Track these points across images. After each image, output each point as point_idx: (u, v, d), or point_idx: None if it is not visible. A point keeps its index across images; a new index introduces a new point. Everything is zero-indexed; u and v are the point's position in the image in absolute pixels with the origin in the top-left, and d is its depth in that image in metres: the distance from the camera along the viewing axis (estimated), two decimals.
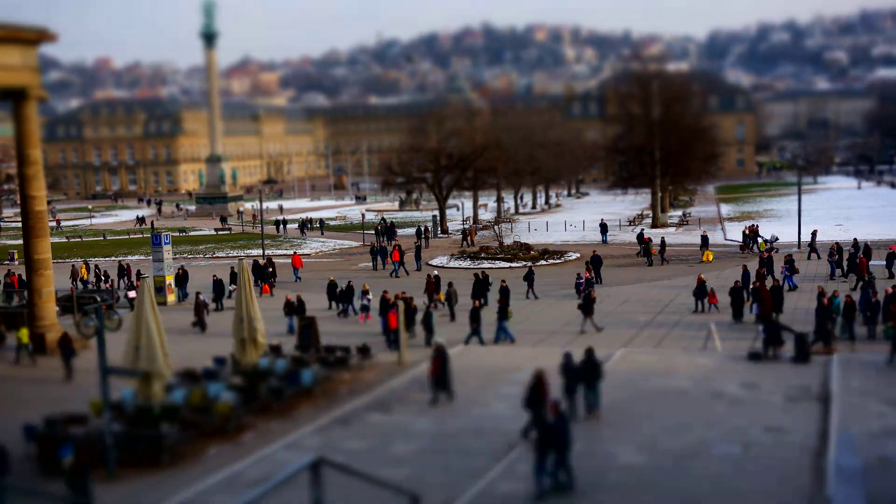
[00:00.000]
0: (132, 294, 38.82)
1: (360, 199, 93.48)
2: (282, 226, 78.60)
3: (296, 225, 79.27)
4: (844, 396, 20.03)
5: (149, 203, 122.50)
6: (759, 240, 53.75)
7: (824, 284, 34.46)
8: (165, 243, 43.05)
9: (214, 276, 41.92)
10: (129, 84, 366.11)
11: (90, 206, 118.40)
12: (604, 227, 62.85)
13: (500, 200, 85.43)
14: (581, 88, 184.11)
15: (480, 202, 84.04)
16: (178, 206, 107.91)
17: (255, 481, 15.78)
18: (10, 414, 21.32)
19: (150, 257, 46.35)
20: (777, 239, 53.98)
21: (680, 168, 74.88)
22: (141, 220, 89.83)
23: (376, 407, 20.94)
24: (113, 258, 61.25)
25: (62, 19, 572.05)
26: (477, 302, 31.28)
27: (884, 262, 43.05)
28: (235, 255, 58.94)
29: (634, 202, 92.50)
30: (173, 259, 47.38)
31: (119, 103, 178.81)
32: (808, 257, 48.33)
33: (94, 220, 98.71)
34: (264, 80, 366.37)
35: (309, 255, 59.39)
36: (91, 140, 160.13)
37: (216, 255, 62.20)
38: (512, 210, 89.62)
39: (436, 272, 41.67)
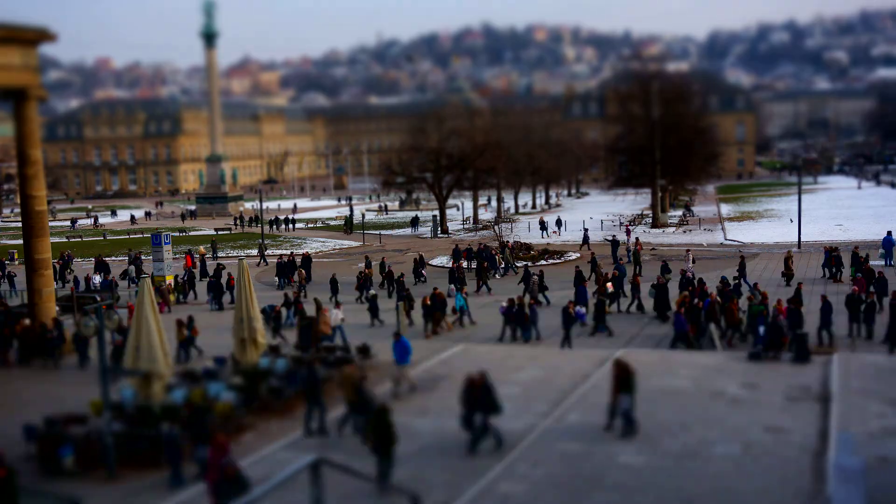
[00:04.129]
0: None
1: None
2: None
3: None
4: (844, 396, 20.04)
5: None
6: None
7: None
8: (165, 243, 43.06)
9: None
10: (129, 84, 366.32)
11: (90, 206, 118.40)
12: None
13: (500, 200, 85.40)
14: (581, 88, 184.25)
15: (480, 202, 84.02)
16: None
17: (255, 481, 15.78)
18: (10, 414, 21.34)
19: (150, 257, 46.43)
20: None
21: (680, 168, 74.88)
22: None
23: None
24: (113, 258, 61.26)
25: (62, 19, 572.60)
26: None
27: (881, 262, 43.08)
28: (235, 255, 58.93)
29: (635, 202, 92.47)
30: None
31: (119, 103, 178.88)
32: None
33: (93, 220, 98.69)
34: (264, 80, 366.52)
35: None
36: (91, 140, 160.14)
37: (216, 254, 62.14)
38: (512, 210, 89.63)
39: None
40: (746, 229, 64.45)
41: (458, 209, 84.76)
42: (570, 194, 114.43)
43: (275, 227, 79.00)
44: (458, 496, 15.22)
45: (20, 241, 37.63)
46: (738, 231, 63.54)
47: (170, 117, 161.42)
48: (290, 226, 79.37)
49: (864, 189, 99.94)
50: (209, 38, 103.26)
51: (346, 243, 66.55)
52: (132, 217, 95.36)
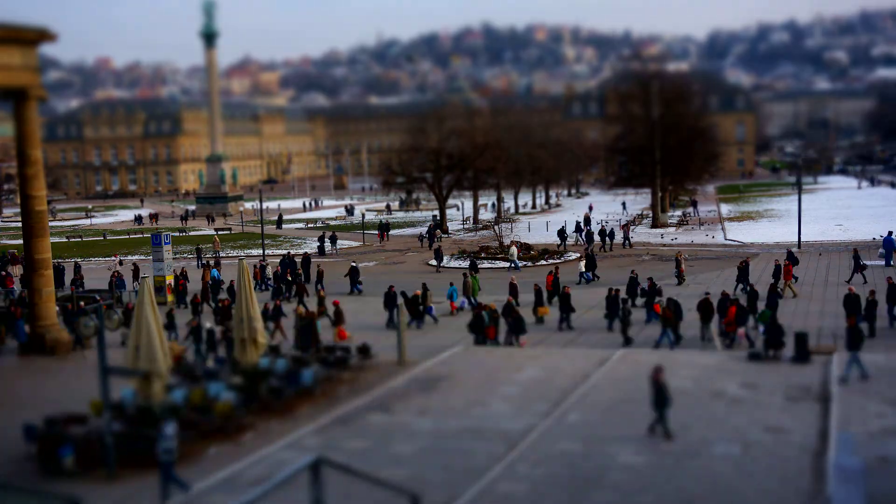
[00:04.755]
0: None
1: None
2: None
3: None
4: (844, 396, 20.05)
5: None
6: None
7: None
8: (165, 243, 43.06)
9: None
10: (129, 84, 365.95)
11: (89, 206, 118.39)
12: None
13: (500, 200, 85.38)
14: (581, 88, 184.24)
15: (480, 202, 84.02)
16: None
17: (255, 481, 15.79)
18: (10, 414, 21.34)
19: (150, 257, 46.44)
20: None
21: (680, 168, 74.93)
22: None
23: (376, 407, 20.93)
24: (113, 258, 61.22)
25: (62, 19, 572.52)
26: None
27: (881, 262, 43.03)
28: (235, 255, 58.90)
29: (635, 202, 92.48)
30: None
31: (119, 103, 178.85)
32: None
33: (93, 221, 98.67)
34: (264, 80, 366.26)
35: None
36: (91, 140, 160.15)
37: (216, 254, 62.14)
38: (512, 210, 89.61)
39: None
40: (746, 229, 64.45)
41: (458, 209, 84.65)
42: (570, 194, 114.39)
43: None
44: (458, 496, 15.23)
45: (20, 241, 37.61)
46: (738, 231, 63.56)
47: (170, 117, 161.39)
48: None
49: (864, 189, 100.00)
50: (209, 38, 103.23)
51: (346, 243, 66.51)
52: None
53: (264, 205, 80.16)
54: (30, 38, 28.77)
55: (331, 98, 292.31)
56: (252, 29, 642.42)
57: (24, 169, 29.65)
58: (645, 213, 79.27)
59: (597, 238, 55.85)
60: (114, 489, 16.60)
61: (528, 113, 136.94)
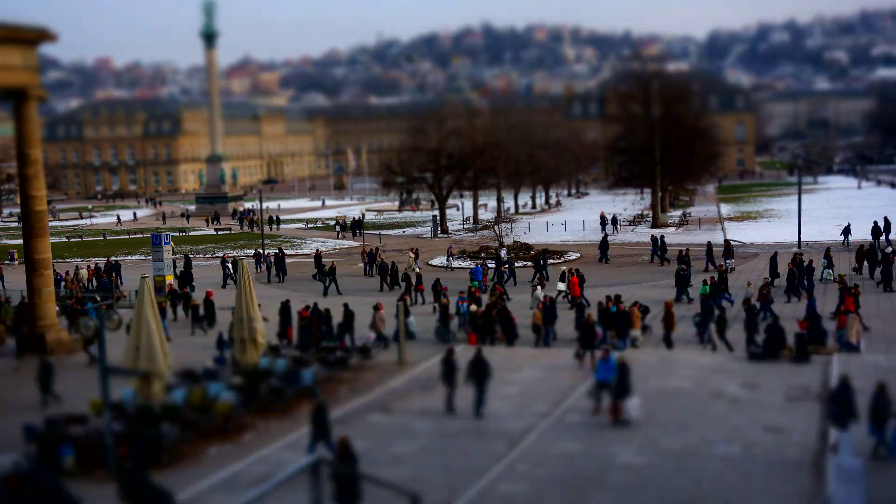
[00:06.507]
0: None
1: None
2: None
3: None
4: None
5: (149, 202, 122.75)
6: None
7: None
8: (165, 243, 43.07)
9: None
10: (129, 84, 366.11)
11: (90, 206, 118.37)
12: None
13: (500, 200, 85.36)
14: (581, 88, 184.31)
15: (480, 202, 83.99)
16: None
17: (255, 481, 15.79)
18: (10, 414, 21.33)
19: (150, 257, 46.45)
20: None
21: (680, 168, 74.90)
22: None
23: (376, 407, 20.94)
24: (113, 258, 61.20)
25: (62, 19, 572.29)
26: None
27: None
28: (235, 254, 58.90)
29: (634, 202, 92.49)
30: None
31: (119, 103, 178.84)
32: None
33: (93, 221, 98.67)
34: (264, 80, 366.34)
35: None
36: (91, 140, 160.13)
37: (217, 255, 62.16)
38: (512, 210, 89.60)
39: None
40: (746, 229, 64.41)
41: (458, 209, 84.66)
42: (570, 194, 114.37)
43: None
44: (458, 496, 15.23)
45: (20, 241, 37.62)
46: (738, 231, 63.52)
47: (170, 117, 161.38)
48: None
49: (864, 189, 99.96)
50: (209, 38, 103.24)
51: (347, 243, 66.54)
52: (135, 215, 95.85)
53: (264, 205, 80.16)
54: (30, 38, 28.77)
55: (331, 98, 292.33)
56: (252, 29, 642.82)
57: (24, 169, 29.65)
58: (645, 213, 79.26)
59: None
60: (114, 489, 16.58)
61: (528, 113, 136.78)
